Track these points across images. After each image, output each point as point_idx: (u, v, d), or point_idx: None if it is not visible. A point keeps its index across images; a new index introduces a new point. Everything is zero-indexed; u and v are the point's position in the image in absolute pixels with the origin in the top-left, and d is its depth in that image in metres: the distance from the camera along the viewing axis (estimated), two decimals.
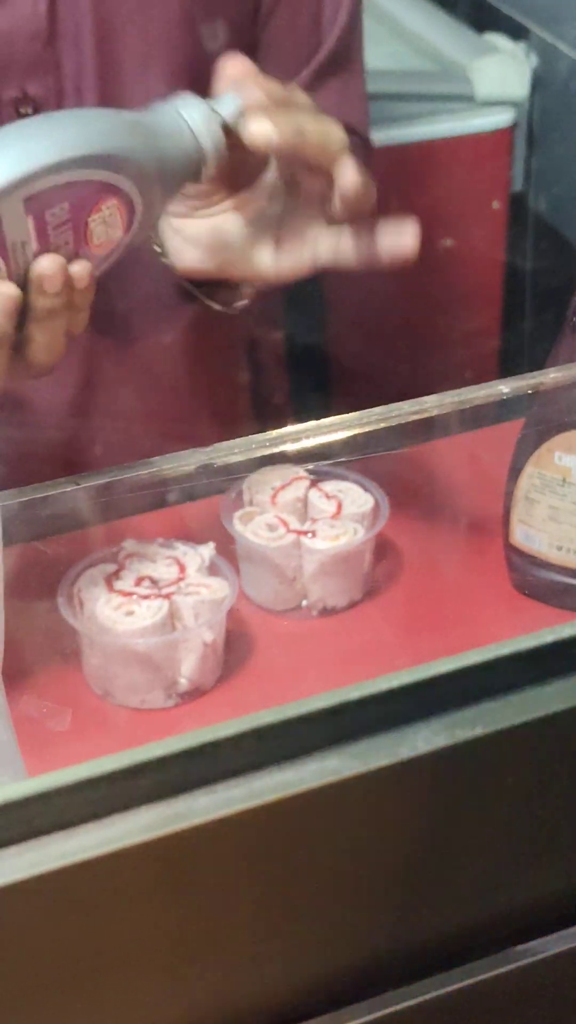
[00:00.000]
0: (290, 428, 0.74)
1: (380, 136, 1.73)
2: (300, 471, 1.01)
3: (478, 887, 0.42)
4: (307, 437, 0.71)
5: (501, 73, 1.80)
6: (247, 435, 0.86)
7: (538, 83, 1.83)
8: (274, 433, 0.73)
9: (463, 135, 1.77)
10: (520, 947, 0.44)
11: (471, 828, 0.41)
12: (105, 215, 0.78)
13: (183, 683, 0.93)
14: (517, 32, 1.88)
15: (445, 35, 1.87)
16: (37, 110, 1.02)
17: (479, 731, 0.39)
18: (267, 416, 1.25)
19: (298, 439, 0.71)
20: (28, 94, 1.02)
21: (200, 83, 0.96)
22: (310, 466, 1.01)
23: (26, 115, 1.02)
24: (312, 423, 0.72)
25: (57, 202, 0.77)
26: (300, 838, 0.39)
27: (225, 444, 0.72)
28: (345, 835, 0.39)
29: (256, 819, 0.37)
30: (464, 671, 0.40)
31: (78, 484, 0.69)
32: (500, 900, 0.42)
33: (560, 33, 1.82)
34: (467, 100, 1.79)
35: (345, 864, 0.40)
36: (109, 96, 1.04)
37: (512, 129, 1.81)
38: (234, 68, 0.89)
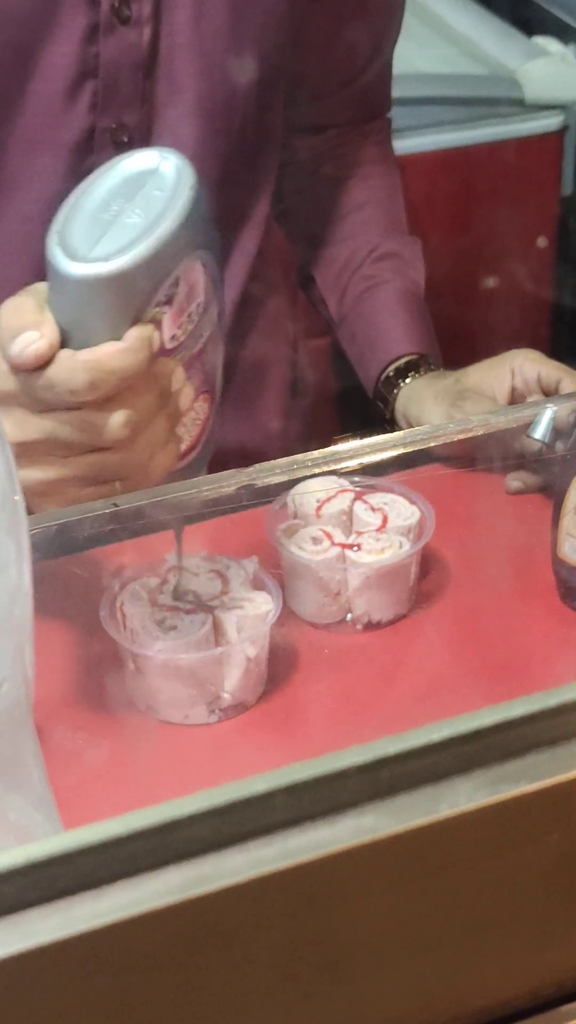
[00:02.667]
0: (332, 448, 0.73)
1: (429, 141, 1.72)
2: (345, 483, 1.00)
3: (523, 950, 0.41)
4: (350, 458, 0.70)
5: (551, 76, 1.78)
6: (290, 448, 0.86)
7: None
8: (316, 454, 0.72)
9: (513, 139, 1.76)
10: (566, 1007, 0.42)
11: (514, 890, 0.40)
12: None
13: (226, 698, 0.92)
14: (567, 34, 1.86)
15: (494, 38, 1.86)
16: (131, 141, 1.04)
17: (524, 787, 0.38)
18: (311, 430, 1.26)
19: (340, 460, 0.70)
20: (124, 123, 1.03)
21: (274, 119, 1.00)
22: (355, 478, 1.01)
23: (122, 144, 1.03)
24: (355, 443, 0.71)
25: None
26: (334, 900, 0.38)
27: (266, 464, 0.71)
28: (381, 897, 0.38)
29: (288, 881, 0.36)
30: (508, 723, 0.39)
31: (117, 505, 0.68)
32: (546, 961, 0.41)
33: None
34: (516, 104, 1.78)
35: (381, 927, 0.39)
36: (200, 131, 1.05)
37: (562, 132, 1.79)
38: None
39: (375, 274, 1.21)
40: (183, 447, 0.81)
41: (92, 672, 0.94)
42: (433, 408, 1.11)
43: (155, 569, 0.95)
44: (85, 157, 1.03)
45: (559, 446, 1.00)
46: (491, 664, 0.96)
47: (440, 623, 0.99)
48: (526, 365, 1.10)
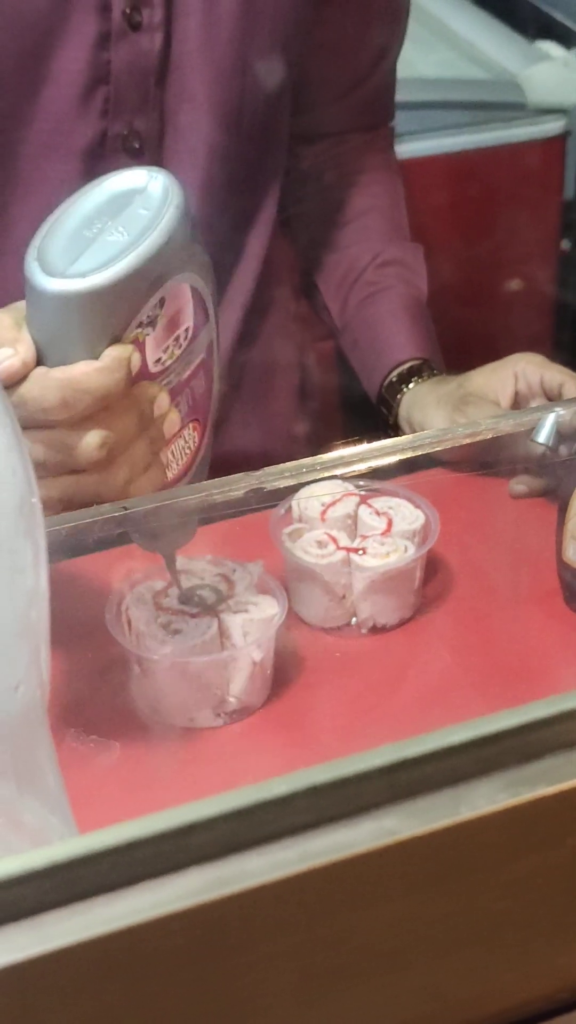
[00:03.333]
0: (341, 452, 0.73)
1: (432, 145, 1.72)
2: (350, 487, 1.00)
3: (540, 953, 0.41)
4: (359, 461, 0.70)
5: (553, 80, 1.78)
6: (297, 452, 0.85)
7: None
8: (325, 457, 0.72)
9: (515, 143, 1.76)
10: None
11: (533, 893, 0.40)
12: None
13: (232, 702, 0.92)
14: (569, 39, 1.86)
15: (497, 43, 1.86)
16: (143, 147, 1.04)
17: (543, 789, 0.38)
18: (319, 430, 1.26)
19: (349, 463, 0.70)
20: (135, 130, 1.03)
21: (282, 124, 1.00)
22: (360, 482, 1.01)
23: (133, 150, 1.03)
24: (364, 446, 0.71)
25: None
26: (353, 902, 0.37)
27: (275, 468, 0.71)
28: (401, 899, 0.38)
29: (308, 883, 0.36)
30: (527, 726, 0.39)
31: (126, 509, 0.68)
32: (562, 965, 0.41)
33: None
34: (519, 108, 1.78)
35: (399, 930, 0.38)
36: (210, 136, 1.05)
37: (564, 137, 1.79)
38: None
39: (378, 280, 1.21)
40: (172, 474, 0.80)
41: (97, 675, 0.94)
42: (436, 413, 1.11)
43: (161, 572, 0.95)
44: (97, 163, 1.04)
45: (563, 450, 1.00)
46: (496, 668, 0.96)
47: (445, 627, 0.99)
48: (529, 369, 1.10)
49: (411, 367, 1.17)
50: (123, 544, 0.84)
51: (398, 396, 1.16)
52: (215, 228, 1.09)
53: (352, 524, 1.00)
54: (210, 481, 0.71)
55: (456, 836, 0.38)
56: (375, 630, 0.99)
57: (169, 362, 0.77)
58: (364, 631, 0.99)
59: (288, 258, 1.25)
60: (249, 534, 1.00)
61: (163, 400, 0.76)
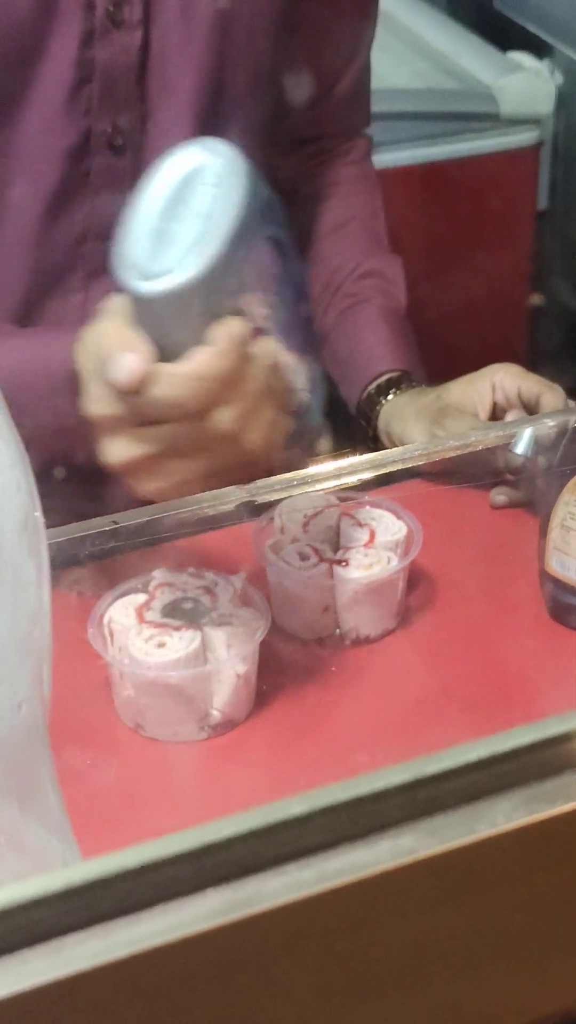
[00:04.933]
0: (332, 464, 0.73)
1: (405, 155, 1.73)
2: (332, 498, 1.00)
3: (558, 969, 0.40)
4: (349, 473, 0.69)
5: (526, 91, 1.79)
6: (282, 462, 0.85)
7: (563, 101, 1.83)
8: (314, 470, 0.72)
9: (488, 153, 1.77)
10: None
11: (550, 909, 0.39)
12: None
13: (216, 715, 0.91)
14: (541, 50, 1.87)
15: (469, 54, 1.87)
16: (125, 144, 1.04)
17: (561, 806, 0.38)
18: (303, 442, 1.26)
19: (340, 475, 0.70)
20: (118, 127, 1.03)
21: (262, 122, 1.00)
22: (342, 493, 1.00)
23: (117, 147, 1.03)
24: (354, 459, 0.70)
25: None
26: (372, 922, 0.37)
27: (265, 481, 0.71)
28: (419, 918, 0.38)
29: (327, 903, 0.36)
30: (544, 742, 0.38)
31: (117, 523, 0.68)
32: None
33: None
34: (492, 119, 1.78)
35: (418, 948, 0.38)
36: (192, 132, 1.06)
37: (537, 147, 1.80)
38: None
39: (357, 292, 1.21)
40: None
41: (79, 691, 0.93)
42: (415, 426, 1.11)
43: (143, 585, 0.94)
44: (80, 161, 1.04)
45: (542, 461, 1.01)
46: (480, 679, 0.96)
47: (429, 638, 0.99)
48: (506, 380, 1.10)
49: (390, 379, 1.17)
50: (108, 557, 0.83)
51: (377, 408, 1.16)
52: None
53: (335, 535, 0.99)
54: (200, 495, 0.71)
55: (474, 854, 0.37)
56: (358, 641, 0.98)
57: (269, 312, 0.78)
58: (347, 642, 0.98)
59: None
60: (231, 546, 1.00)
61: (276, 351, 0.78)
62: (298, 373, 0.79)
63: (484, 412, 1.10)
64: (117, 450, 0.76)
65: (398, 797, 0.37)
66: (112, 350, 0.74)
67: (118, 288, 0.74)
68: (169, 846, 0.35)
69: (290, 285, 0.80)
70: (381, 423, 1.15)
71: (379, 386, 1.17)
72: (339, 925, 0.37)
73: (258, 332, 0.78)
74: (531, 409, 1.10)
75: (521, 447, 1.01)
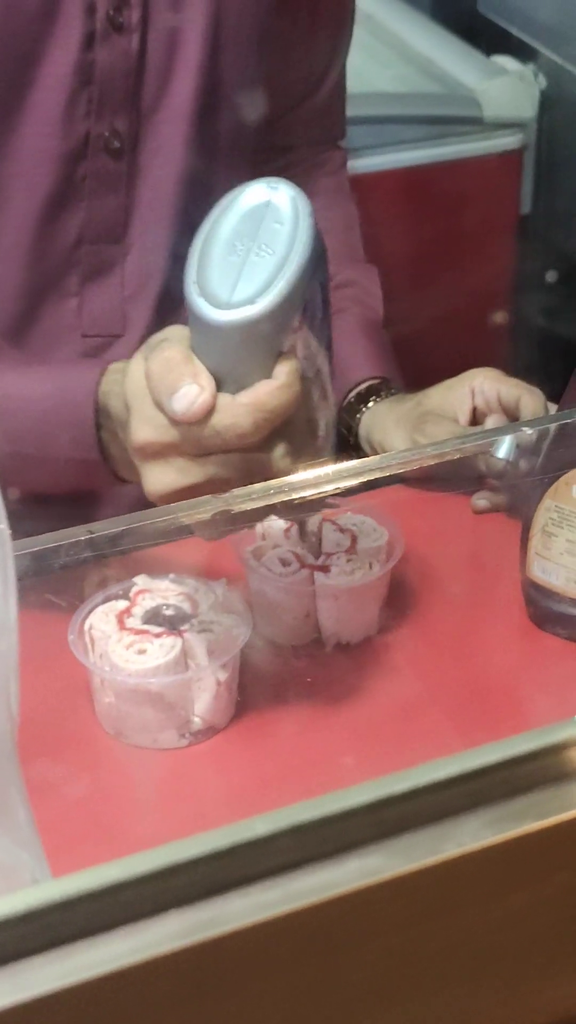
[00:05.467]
0: (310, 473, 0.73)
1: (389, 159, 1.73)
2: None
3: (529, 988, 0.40)
4: (328, 482, 0.69)
5: (509, 95, 1.79)
6: None
7: (546, 105, 1.83)
8: (293, 478, 0.72)
9: (472, 157, 1.77)
10: None
11: (520, 929, 0.39)
12: None
13: (196, 722, 0.91)
14: (525, 54, 1.87)
15: (453, 57, 1.87)
16: (123, 148, 1.04)
17: (530, 824, 0.37)
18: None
19: (318, 484, 0.70)
20: (116, 130, 1.04)
21: (257, 124, 1.06)
22: (324, 499, 1.00)
23: (114, 150, 1.03)
24: (332, 467, 0.70)
25: None
26: (339, 943, 0.37)
27: (242, 490, 0.71)
28: (387, 939, 0.37)
29: (293, 925, 0.35)
30: (513, 760, 0.38)
31: (92, 533, 0.68)
32: (551, 1000, 0.40)
33: (568, 54, 1.81)
34: (476, 122, 1.78)
35: (387, 969, 0.38)
36: (186, 135, 1.06)
37: (521, 151, 1.80)
38: None
39: (333, 303, 1.21)
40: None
41: (60, 697, 0.93)
42: (396, 433, 1.11)
43: (124, 591, 0.94)
44: (78, 165, 1.04)
45: (523, 465, 1.01)
46: (462, 684, 0.96)
47: (411, 644, 0.99)
48: (486, 384, 1.10)
49: (369, 386, 1.17)
50: (86, 564, 0.83)
51: (357, 416, 1.16)
52: (189, 226, 1.09)
53: (316, 541, 0.99)
54: (176, 504, 0.71)
55: (442, 873, 0.37)
56: (340, 647, 0.98)
57: (311, 350, 0.81)
58: (329, 649, 0.98)
59: None
60: (212, 551, 0.99)
61: (316, 391, 0.80)
62: (326, 410, 0.82)
63: (464, 417, 1.10)
64: (160, 479, 0.77)
65: (365, 816, 0.37)
66: (177, 380, 0.75)
67: (183, 317, 0.76)
68: (131, 867, 0.35)
69: (326, 328, 0.83)
70: (362, 431, 1.15)
71: (359, 394, 1.17)
72: (306, 947, 0.36)
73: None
74: (511, 413, 1.10)
75: (503, 452, 1.01)
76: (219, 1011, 0.36)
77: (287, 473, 0.79)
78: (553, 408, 1.09)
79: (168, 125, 1.06)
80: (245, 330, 0.75)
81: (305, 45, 1.17)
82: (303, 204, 0.78)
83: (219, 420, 0.75)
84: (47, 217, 1.04)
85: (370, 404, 1.16)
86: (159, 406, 0.77)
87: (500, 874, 0.38)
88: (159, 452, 0.78)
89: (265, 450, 0.77)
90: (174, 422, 0.76)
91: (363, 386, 1.17)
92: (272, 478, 0.79)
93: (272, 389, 0.76)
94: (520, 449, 1.00)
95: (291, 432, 0.78)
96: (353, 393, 1.17)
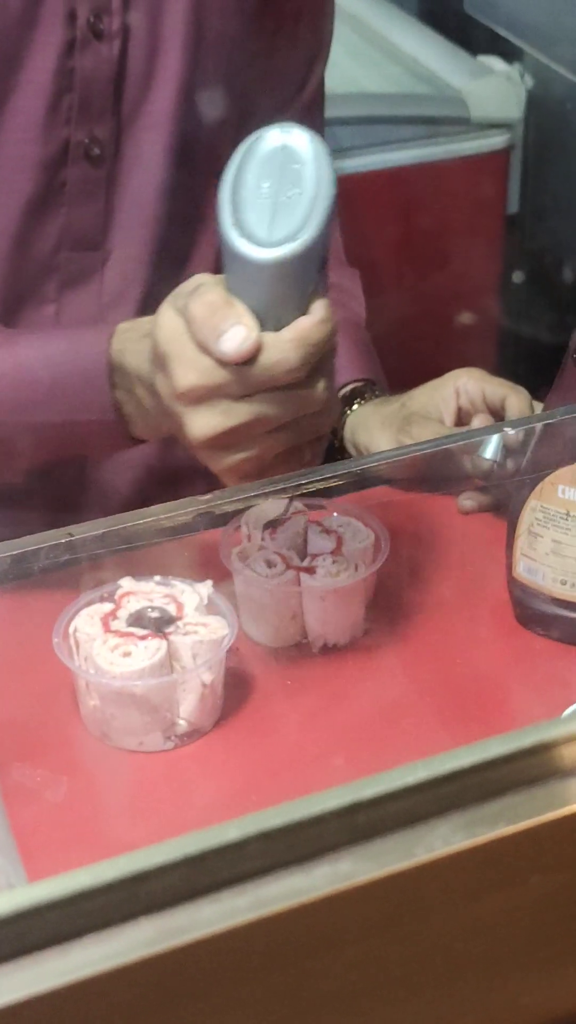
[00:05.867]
0: (296, 473, 0.73)
1: (375, 160, 1.73)
2: (299, 505, 1.00)
3: (503, 994, 0.40)
4: (308, 483, 0.69)
5: (496, 95, 1.79)
6: None
7: (533, 105, 1.83)
8: (279, 478, 0.72)
9: (458, 157, 1.77)
10: None
11: (493, 933, 0.39)
12: None
13: (182, 725, 0.91)
14: (511, 54, 1.87)
15: (439, 57, 1.87)
16: (103, 155, 1.04)
17: (502, 829, 0.37)
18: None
19: (300, 486, 0.70)
20: (96, 137, 1.04)
21: (236, 128, 1.05)
22: (309, 500, 1.00)
23: (95, 158, 1.03)
24: (319, 468, 0.70)
25: None
26: (310, 949, 0.36)
27: (223, 492, 0.71)
28: (358, 944, 0.37)
29: (264, 931, 0.35)
30: (484, 764, 0.38)
31: (72, 536, 0.67)
32: (525, 1005, 0.40)
33: (554, 54, 1.81)
34: (462, 122, 1.78)
35: (359, 975, 0.38)
36: (165, 140, 1.06)
37: (507, 151, 1.80)
38: None
39: None
40: None
41: (44, 700, 0.93)
42: (381, 435, 1.11)
43: (109, 594, 0.94)
44: (58, 171, 1.04)
45: (510, 465, 1.01)
46: (449, 685, 0.96)
47: (397, 645, 0.99)
48: (470, 384, 1.10)
49: (353, 389, 1.17)
50: (70, 567, 0.83)
51: (342, 418, 1.16)
52: (168, 232, 1.09)
53: (302, 543, 0.99)
54: (157, 506, 0.71)
55: (413, 879, 0.37)
56: (326, 649, 0.98)
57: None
58: (315, 650, 0.98)
59: None
60: (198, 553, 0.99)
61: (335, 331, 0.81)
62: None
63: (449, 418, 1.10)
64: (206, 422, 0.78)
65: (335, 821, 0.36)
66: (222, 321, 0.77)
67: (223, 258, 0.79)
68: (101, 873, 0.35)
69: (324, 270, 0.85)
70: (347, 433, 1.15)
71: (343, 396, 1.16)
72: (277, 953, 0.36)
73: None
74: (496, 412, 1.10)
75: (489, 452, 1.01)
76: (190, 1018, 0.36)
77: (329, 407, 0.81)
78: (539, 407, 1.09)
79: (148, 132, 1.06)
80: (288, 266, 0.77)
81: (285, 51, 1.16)
82: (319, 144, 0.81)
83: (267, 357, 0.77)
84: (26, 223, 1.04)
85: (355, 406, 1.16)
86: (205, 349, 0.78)
87: (472, 879, 0.38)
88: (204, 396, 0.79)
89: (308, 385, 0.79)
90: (222, 363, 0.77)
91: (347, 388, 1.17)
92: (315, 411, 0.80)
93: (314, 323, 0.78)
94: (506, 449, 1.00)
95: (327, 367, 0.80)
96: (338, 395, 1.17)
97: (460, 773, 0.37)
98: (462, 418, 1.11)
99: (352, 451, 1.14)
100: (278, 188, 0.79)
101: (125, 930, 0.34)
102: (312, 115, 1.26)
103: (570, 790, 0.39)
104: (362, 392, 1.17)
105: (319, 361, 0.80)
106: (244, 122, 1.15)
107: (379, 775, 0.38)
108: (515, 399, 1.09)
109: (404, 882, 0.36)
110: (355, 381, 1.17)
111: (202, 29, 1.05)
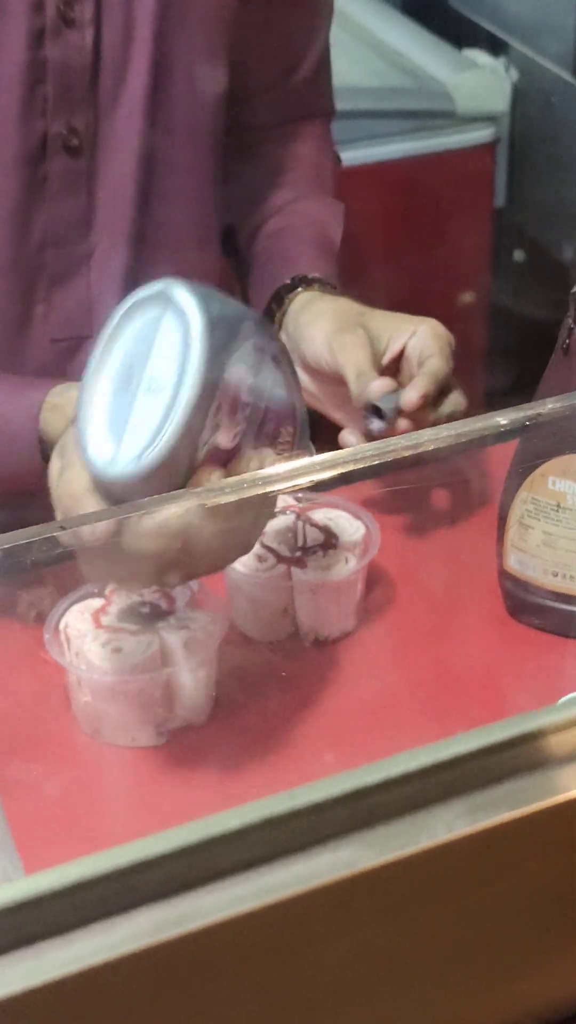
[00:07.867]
0: (284, 466, 0.72)
1: (362, 154, 1.72)
2: (289, 499, 1.00)
3: (504, 980, 0.40)
4: (302, 475, 0.69)
5: (482, 88, 1.79)
6: None
7: (519, 98, 1.83)
8: (267, 472, 0.71)
9: (445, 151, 1.77)
10: None
11: (496, 919, 0.39)
12: None
13: (174, 720, 0.91)
14: (497, 47, 1.87)
15: (425, 51, 1.87)
16: (82, 145, 1.03)
17: (504, 814, 0.37)
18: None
19: (292, 477, 0.69)
20: (74, 128, 1.02)
21: (218, 111, 1.05)
22: (299, 494, 1.00)
23: (75, 149, 1.02)
24: (306, 460, 0.70)
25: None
26: (313, 936, 0.36)
27: (216, 484, 0.71)
28: (361, 931, 0.37)
29: (266, 919, 0.35)
30: (486, 749, 0.38)
31: (65, 528, 0.67)
32: (527, 991, 0.40)
33: (539, 47, 1.81)
34: (448, 116, 1.78)
35: (362, 962, 0.37)
36: (145, 129, 1.05)
37: (494, 144, 1.80)
38: None
39: (289, 223, 1.18)
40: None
41: (36, 697, 0.93)
42: (323, 322, 1.06)
43: (100, 590, 0.93)
44: (38, 165, 1.03)
45: (400, 425, 0.99)
46: (441, 677, 0.96)
47: (388, 638, 0.99)
48: (426, 331, 1.05)
49: (312, 278, 1.12)
50: (60, 563, 0.82)
51: (291, 295, 1.10)
52: (152, 221, 1.08)
53: (292, 537, 0.99)
54: (149, 499, 0.70)
55: (416, 865, 0.37)
56: (317, 643, 0.98)
57: (242, 425, 0.76)
58: (306, 644, 0.98)
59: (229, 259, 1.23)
60: None
61: (254, 463, 0.78)
62: (284, 432, 0.79)
63: (395, 347, 1.05)
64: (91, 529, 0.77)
65: (337, 809, 0.36)
66: (80, 510, 0.77)
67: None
68: (101, 864, 0.34)
69: (262, 379, 0.77)
70: (292, 309, 1.10)
71: (297, 278, 1.12)
72: (279, 941, 0.36)
73: (235, 451, 0.76)
74: (417, 363, 1.05)
75: (388, 404, 0.99)
76: (192, 1007, 0.36)
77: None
78: (462, 400, 1.06)
79: (127, 119, 1.04)
80: (137, 481, 0.72)
81: (270, 29, 1.15)
82: (194, 309, 0.72)
83: (126, 543, 0.76)
84: (11, 223, 1.03)
85: (309, 291, 1.10)
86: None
87: (474, 865, 0.38)
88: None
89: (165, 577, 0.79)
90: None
91: (307, 276, 1.12)
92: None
93: (171, 515, 0.75)
94: (398, 409, 0.99)
95: (226, 514, 0.77)
96: (294, 277, 1.12)
97: (462, 759, 0.37)
98: (403, 360, 1.06)
99: (290, 328, 1.09)
100: (141, 378, 0.73)
101: (126, 920, 0.34)
102: (309, 97, 1.24)
103: (572, 776, 0.39)
104: (321, 284, 1.12)
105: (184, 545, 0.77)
106: (227, 104, 1.13)
107: (380, 762, 0.38)
108: (437, 362, 1.04)
109: (406, 869, 0.36)
110: (316, 276, 1.12)
111: (175, 9, 1.04)
